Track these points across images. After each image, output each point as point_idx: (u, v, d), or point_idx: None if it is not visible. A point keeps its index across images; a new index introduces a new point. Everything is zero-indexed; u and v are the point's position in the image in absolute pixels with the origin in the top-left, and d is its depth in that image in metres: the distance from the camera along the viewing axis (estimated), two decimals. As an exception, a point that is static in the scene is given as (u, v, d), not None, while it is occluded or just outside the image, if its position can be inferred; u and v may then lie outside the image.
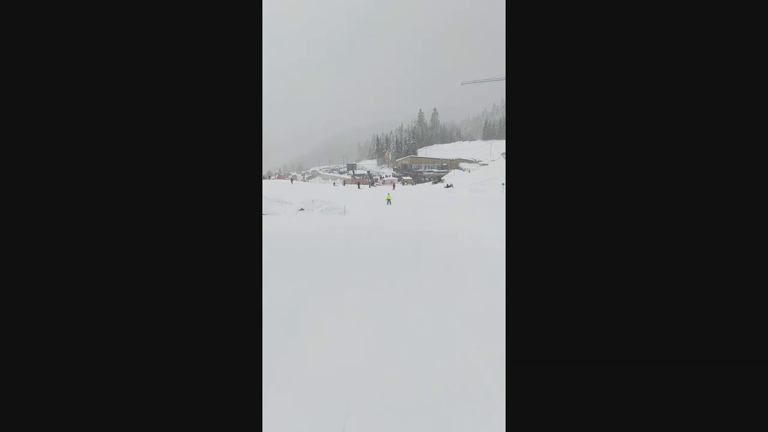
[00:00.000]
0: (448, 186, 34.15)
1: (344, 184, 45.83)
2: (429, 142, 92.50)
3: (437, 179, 40.92)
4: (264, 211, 11.85)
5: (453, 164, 65.43)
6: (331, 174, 68.68)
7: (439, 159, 68.10)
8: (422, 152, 79.22)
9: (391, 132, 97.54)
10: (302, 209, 14.87)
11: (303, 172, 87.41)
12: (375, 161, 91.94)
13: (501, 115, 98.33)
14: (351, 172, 70.09)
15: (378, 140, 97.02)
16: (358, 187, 35.93)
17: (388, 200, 20.10)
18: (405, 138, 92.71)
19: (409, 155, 77.28)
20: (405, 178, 56.69)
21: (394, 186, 42.62)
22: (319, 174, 72.53)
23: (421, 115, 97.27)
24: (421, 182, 49.45)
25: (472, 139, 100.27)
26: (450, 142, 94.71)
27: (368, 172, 60.95)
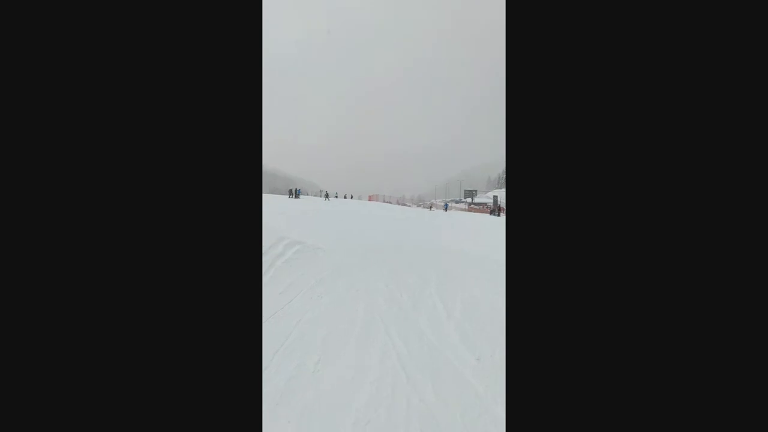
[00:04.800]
0: None
1: (446, 210, 31.09)
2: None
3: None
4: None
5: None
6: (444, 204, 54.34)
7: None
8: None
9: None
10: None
11: (419, 203, 75.63)
12: (504, 190, 73.22)
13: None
14: (469, 200, 53.93)
15: (510, 165, 78.40)
16: (491, 214, 25.99)
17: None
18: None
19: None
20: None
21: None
22: (435, 205, 59.69)
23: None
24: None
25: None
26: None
27: (495, 197, 43.99)
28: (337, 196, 38.07)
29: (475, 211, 41.66)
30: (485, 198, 65.12)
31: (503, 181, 79.45)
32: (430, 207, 36.61)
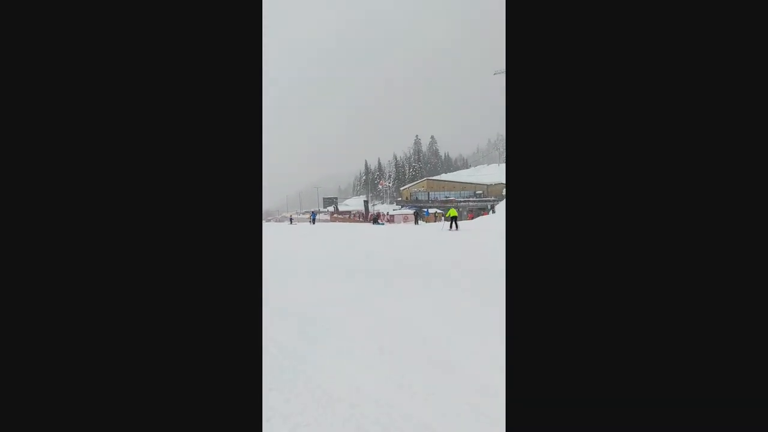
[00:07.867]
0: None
1: (313, 221, 23.38)
2: (434, 172, 71.04)
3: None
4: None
5: (494, 191, 43.35)
6: (305, 216, 45.75)
7: (472, 183, 45.93)
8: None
9: (385, 162, 76.42)
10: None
11: (268, 218, 63.96)
12: (363, 196, 69.25)
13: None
14: (333, 207, 46.76)
15: (368, 169, 75.21)
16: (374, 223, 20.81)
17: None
18: (402, 163, 71.27)
19: (424, 179, 54.70)
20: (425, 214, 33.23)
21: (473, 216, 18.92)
22: (289, 218, 50.18)
23: (417, 142, 77.14)
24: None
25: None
26: (457, 172, 73.45)
27: (364, 201, 37.80)
28: None
29: (344, 220, 34.52)
30: (344, 206, 59.30)
31: (360, 185, 75.82)
32: (290, 220, 27.68)
